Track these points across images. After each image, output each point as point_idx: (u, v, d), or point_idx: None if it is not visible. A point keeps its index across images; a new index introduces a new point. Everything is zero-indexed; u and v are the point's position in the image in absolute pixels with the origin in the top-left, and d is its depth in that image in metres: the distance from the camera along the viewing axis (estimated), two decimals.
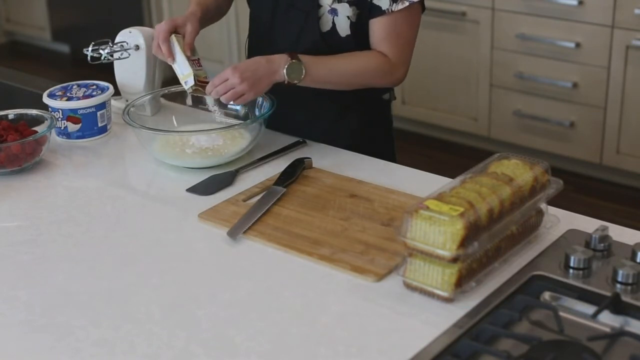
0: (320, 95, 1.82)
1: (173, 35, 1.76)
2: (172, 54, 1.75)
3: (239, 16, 4.45)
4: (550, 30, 3.50)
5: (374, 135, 1.93)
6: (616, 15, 3.32)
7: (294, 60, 1.68)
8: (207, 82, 1.76)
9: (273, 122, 1.82)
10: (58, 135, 1.90)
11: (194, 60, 1.77)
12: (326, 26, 1.78)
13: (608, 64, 3.39)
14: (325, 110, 1.88)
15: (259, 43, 1.91)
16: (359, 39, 1.79)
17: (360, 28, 1.78)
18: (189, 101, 1.92)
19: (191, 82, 1.75)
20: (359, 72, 1.77)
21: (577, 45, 3.43)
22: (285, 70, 1.68)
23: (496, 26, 3.65)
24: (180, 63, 1.76)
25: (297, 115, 1.88)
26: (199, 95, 1.79)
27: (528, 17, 3.55)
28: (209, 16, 1.91)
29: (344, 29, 1.78)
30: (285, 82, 1.70)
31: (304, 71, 1.69)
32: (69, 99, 1.88)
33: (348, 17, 1.76)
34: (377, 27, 1.76)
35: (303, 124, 1.88)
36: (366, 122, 1.90)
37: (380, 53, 1.77)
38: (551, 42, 3.51)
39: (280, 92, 1.77)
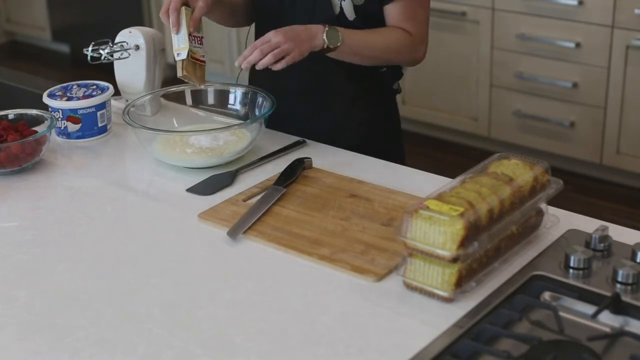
0: (326, 89, 1.83)
1: (183, 7, 1.74)
2: (178, 24, 1.73)
3: None
4: (550, 30, 3.50)
5: (383, 128, 1.95)
6: (616, 15, 3.31)
7: (331, 27, 1.70)
8: (202, 61, 1.76)
9: (276, 120, 1.82)
10: (58, 135, 1.90)
11: (197, 36, 1.76)
12: (335, 10, 1.79)
13: (608, 64, 3.39)
14: (331, 103, 1.88)
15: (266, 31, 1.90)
16: (365, 23, 1.80)
17: (365, 12, 1.79)
18: (189, 101, 1.92)
19: (183, 55, 1.73)
20: (389, 45, 1.80)
21: (577, 45, 3.43)
22: (325, 35, 1.69)
23: (496, 26, 3.65)
24: (180, 35, 1.74)
25: (300, 110, 1.88)
26: (187, 80, 1.76)
27: (528, 17, 3.55)
28: (223, 2, 1.87)
29: (350, 12, 1.79)
30: (325, 46, 1.70)
31: (340, 37, 1.71)
32: (69, 99, 1.88)
33: (352, 0, 1.78)
34: (393, 11, 1.80)
35: (310, 116, 1.88)
36: (375, 114, 1.91)
37: (404, 30, 1.81)
38: (551, 42, 3.51)
39: (281, 91, 1.77)
